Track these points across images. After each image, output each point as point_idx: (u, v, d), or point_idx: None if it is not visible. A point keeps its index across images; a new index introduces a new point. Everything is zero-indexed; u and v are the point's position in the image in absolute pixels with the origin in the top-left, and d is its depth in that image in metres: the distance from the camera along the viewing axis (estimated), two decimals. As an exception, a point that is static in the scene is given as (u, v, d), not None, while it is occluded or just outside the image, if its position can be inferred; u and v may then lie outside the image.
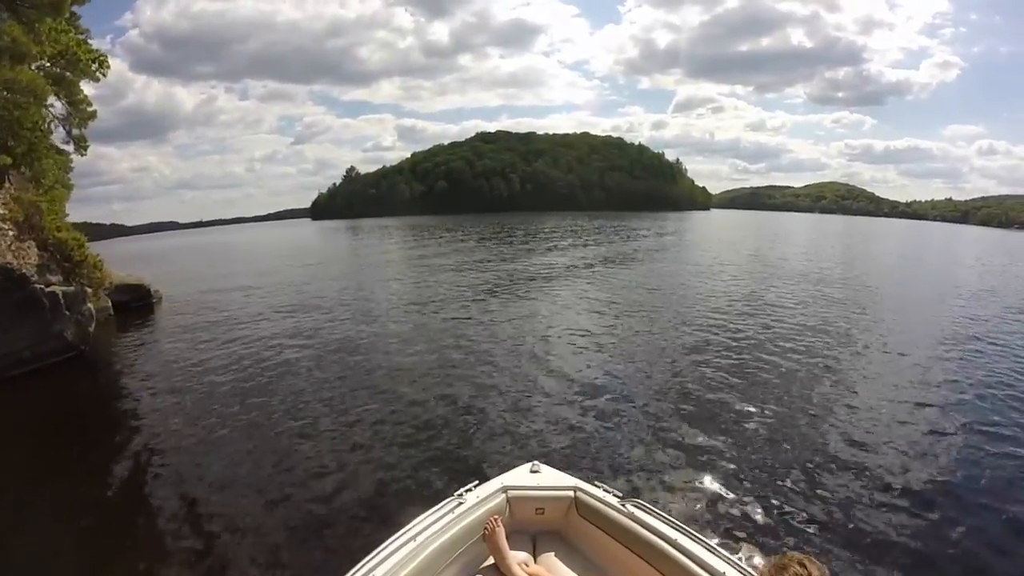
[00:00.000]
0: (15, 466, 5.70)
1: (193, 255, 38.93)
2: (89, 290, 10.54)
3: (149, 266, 25.07)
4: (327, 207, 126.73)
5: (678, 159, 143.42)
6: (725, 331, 10.25)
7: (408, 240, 40.82)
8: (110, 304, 13.33)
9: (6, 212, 9.61)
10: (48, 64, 12.15)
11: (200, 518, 4.52)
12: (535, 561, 2.57)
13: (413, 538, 2.31)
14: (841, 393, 7.06)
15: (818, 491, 4.61)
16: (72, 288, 9.89)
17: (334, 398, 7.19)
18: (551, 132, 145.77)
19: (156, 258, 35.51)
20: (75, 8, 12.98)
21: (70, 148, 13.50)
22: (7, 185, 10.49)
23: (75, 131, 13.28)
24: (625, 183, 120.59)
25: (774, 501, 4.44)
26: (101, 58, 13.02)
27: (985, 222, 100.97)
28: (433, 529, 2.38)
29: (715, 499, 4.50)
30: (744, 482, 4.75)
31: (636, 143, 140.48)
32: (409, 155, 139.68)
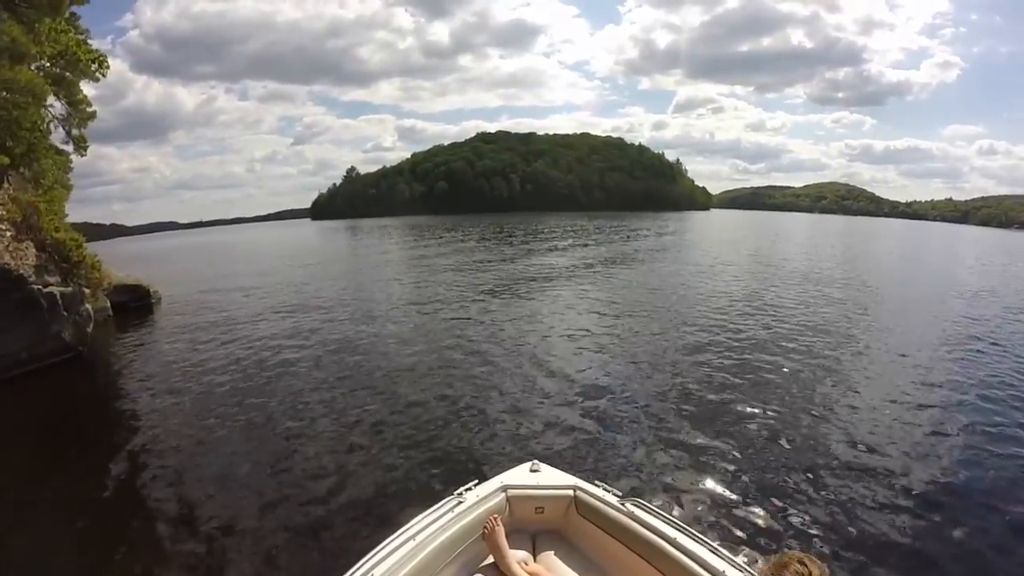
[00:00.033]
0: (13, 467, 5.67)
1: (192, 255, 38.92)
2: (87, 291, 10.52)
3: (149, 266, 25.07)
4: (327, 207, 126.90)
5: (678, 159, 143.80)
6: (725, 331, 10.23)
7: (408, 240, 40.81)
8: (109, 305, 13.31)
9: (4, 213, 9.59)
10: (48, 64, 12.14)
11: (199, 518, 4.50)
12: (535, 560, 2.56)
13: (413, 537, 2.30)
14: (842, 393, 7.04)
15: (819, 491, 4.60)
16: (70, 289, 9.88)
17: (333, 398, 7.18)
18: (551, 132, 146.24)
19: (156, 258, 35.52)
20: (75, 8, 13.01)
21: (70, 148, 13.51)
22: (6, 185, 10.48)
23: (75, 131, 13.28)
24: (625, 183, 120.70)
25: (774, 501, 4.42)
26: (101, 58, 13.02)
27: (985, 222, 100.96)
28: (433, 528, 2.38)
29: (715, 499, 4.48)
30: (744, 482, 4.74)
31: (636, 143, 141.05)
32: (409, 155, 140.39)
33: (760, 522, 4.15)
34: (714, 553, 2.19)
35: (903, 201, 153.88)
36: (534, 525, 2.73)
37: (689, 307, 12.81)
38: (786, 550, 3.66)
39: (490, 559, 2.46)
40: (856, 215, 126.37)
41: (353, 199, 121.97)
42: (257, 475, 5.22)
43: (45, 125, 11.87)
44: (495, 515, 2.52)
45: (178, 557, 4.03)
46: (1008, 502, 4.46)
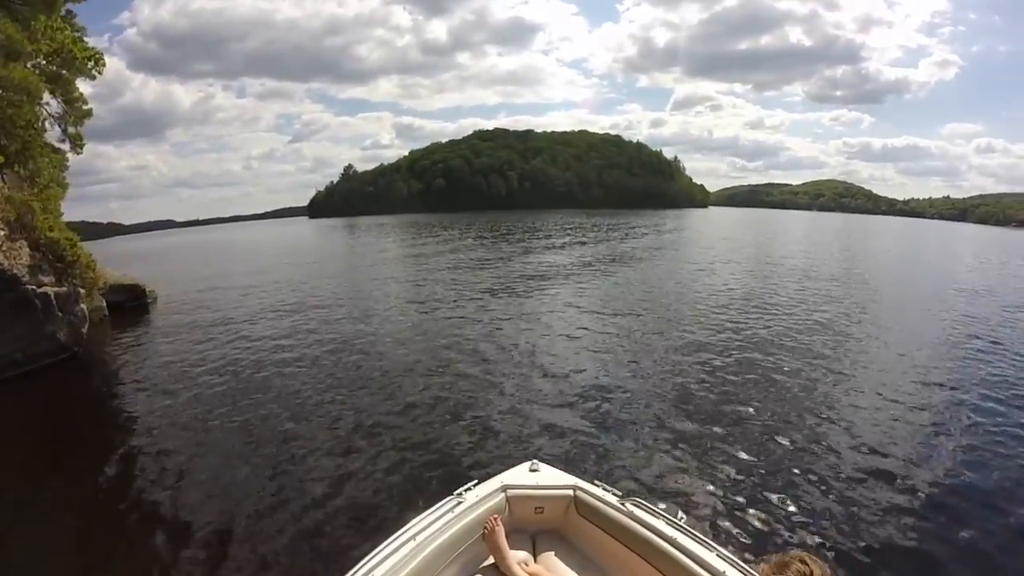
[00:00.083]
0: (10, 469, 5.63)
1: (190, 254, 38.77)
2: (82, 291, 10.44)
3: (146, 265, 24.99)
4: (325, 205, 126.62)
5: (676, 157, 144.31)
6: (725, 329, 10.23)
7: (406, 238, 40.73)
8: (104, 304, 13.22)
9: (-2, 211, 9.51)
10: (43, 62, 12.07)
11: (197, 519, 4.47)
12: (535, 560, 2.55)
13: (412, 538, 2.29)
14: (843, 392, 7.04)
15: (820, 491, 4.59)
16: (64, 289, 9.80)
17: (331, 399, 7.15)
18: (549, 130, 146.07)
19: (153, 257, 35.40)
20: (72, 6, 12.95)
21: (66, 146, 13.45)
22: (0, 184, 10.41)
23: (71, 129, 13.24)
24: (623, 181, 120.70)
25: (775, 501, 4.41)
26: (97, 56, 12.95)
27: (983, 220, 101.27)
28: (432, 528, 2.36)
29: (716, 498, 4.47)
30: (745, 482, 4.73)
31: (634, 141, 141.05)
32: (407, 153, 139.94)
33: (761, 522, 4.14)
34: (714, 553, 2.17)
35: (901, 199, 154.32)
36: (534, 525, 2.71)
37: (688, 305, 12.81)
38: (788, 549, 3.65)
39: (490, 559, 2.44)
40: (854, 213, 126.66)
41: (351, 197, 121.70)
42: (255, 476, 5.19)
43: (40, 123, 11.80)
44: (495, 515, 2.51)
45: (176, 558, 4.00)
46: (1013, 503, 4.45)
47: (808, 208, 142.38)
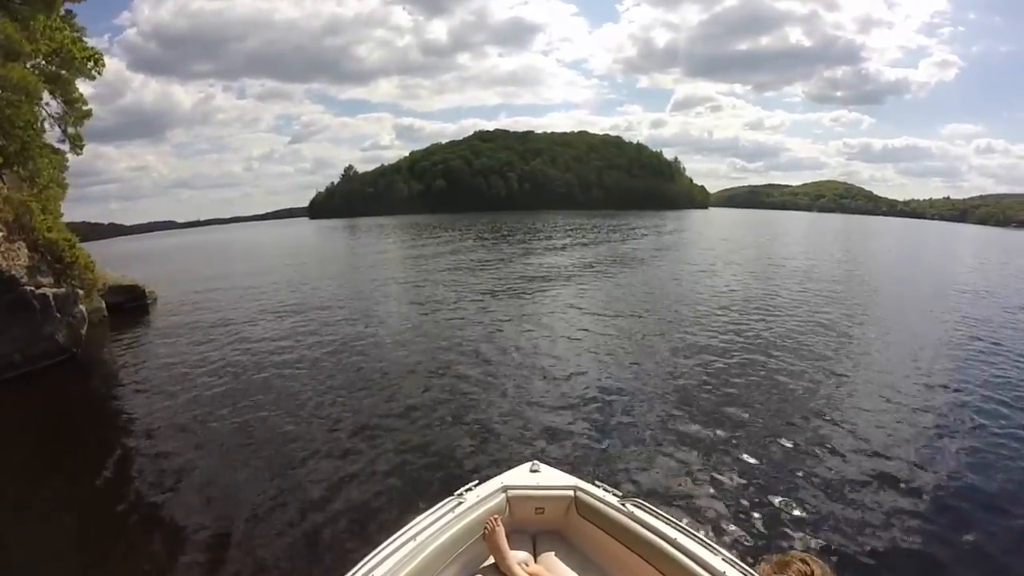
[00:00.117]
0: (9, 469, 5.62)
1: (190, 254, 38.79)
2: (81, 292, 10.43)
3: (146, 266, 25.00)
4: (325, 206, 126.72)
5: (676, 158, 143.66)
6: (726, 331, 10.22)
7: (406, 239, 40.76)
8: (104, 306, 13.22)
9: (-4, 212, 9.50)
10: (43, 62, 12.06)
11: (196, 520, 4.45)
12: (535, 561, 2.54)
13: (413, 538, 2.29)
14: (845, 394, 7.03)
15: (821, 491, 4.57)
16: (63, 290, 9.79)
17: (331, 400, 7.13)
18: (549, 131, 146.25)
19: (153, 258, 35.42)
20: (72, 6, 12.95)
21: (65, 147, 13.43)
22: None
23: (70, 130, 13.21)
24: (623, 182, 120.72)
25: (776, 501, 4.39)
26: (96, 56, 12.94)
27: (983, 220, 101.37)
28: (433, 529, 2.36)
29: (716, 499, 4.45)
30: (746, 482, 4.71)
31: (634, 142, 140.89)
32: (407, 154, 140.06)
33: (762, 522, 4.12)
34: (715, 554, 2.17)
35: (901, 200, 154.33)
36: (534, 526, 2.71)
37: (689, 306, 12.79)
38: (788, 549, 3.63)
39: (491, 560, 2.44)
40: (854, 214, 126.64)
41: (351, 198, 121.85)
42: (255, 477, 5.17)
43: (39, 123, 11.78)
44: (495, 516, 2.50)
45: (176, 559, 3.99)
46: (1016, 505, 4.43)
47: (808, 209, 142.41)
